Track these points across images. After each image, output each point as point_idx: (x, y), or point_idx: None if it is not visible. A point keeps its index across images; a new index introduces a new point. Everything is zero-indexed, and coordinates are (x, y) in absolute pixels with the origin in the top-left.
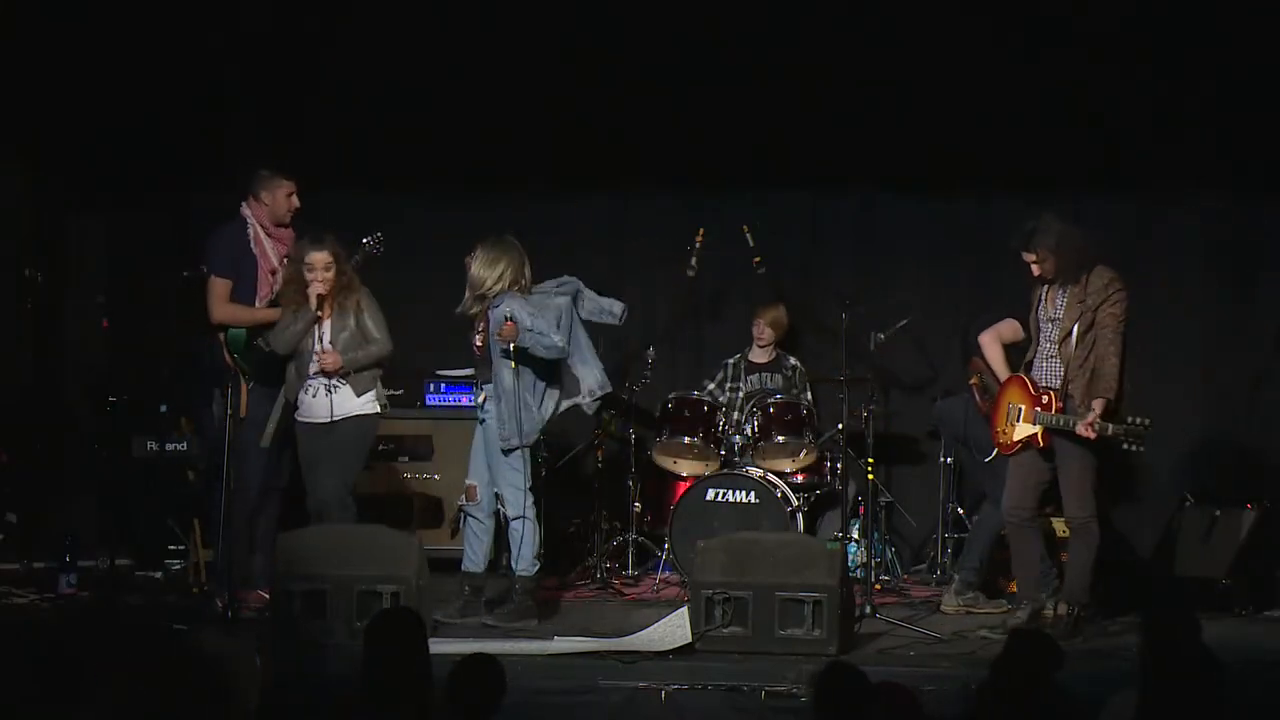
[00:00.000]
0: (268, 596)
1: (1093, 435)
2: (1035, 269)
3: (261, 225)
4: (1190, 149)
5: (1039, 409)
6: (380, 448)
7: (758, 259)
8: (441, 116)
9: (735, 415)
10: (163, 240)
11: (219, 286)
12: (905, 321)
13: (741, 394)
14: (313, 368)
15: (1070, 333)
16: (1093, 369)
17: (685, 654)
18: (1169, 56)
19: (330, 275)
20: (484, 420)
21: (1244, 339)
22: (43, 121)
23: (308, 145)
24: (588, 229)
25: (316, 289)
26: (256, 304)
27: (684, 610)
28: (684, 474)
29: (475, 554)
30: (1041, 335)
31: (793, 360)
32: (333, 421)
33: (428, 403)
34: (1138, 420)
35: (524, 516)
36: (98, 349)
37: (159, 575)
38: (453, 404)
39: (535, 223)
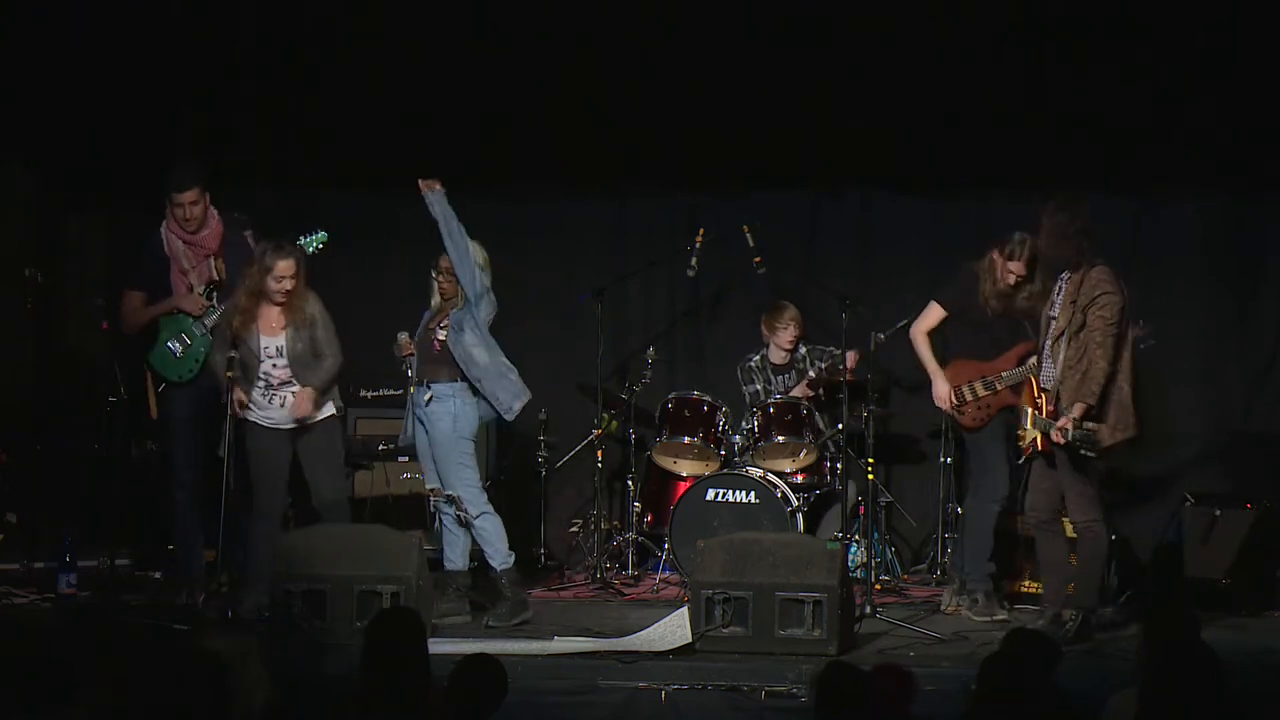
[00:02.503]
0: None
1: (1061, 441)
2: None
3: (174, 231)
4: (1190, 149)
5: (1036, 412)
6: (380, 448)
7: (758, 259)
8: (441, 117)
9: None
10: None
11: (127, 299)
12: (905, 321)
13: (780, 396)
14: (270, 390)
15: (1062, 333)
16: (1083, 371)
17: (685, 654)
18: (1169, 57)
19: (297, 282)
20: (424, 422)
21: (1244, 339)
22: (43, 121)
23: (308, 146)
24: (588, 229)
25: (246, 304)
26: None
27: (684, 610)
28: (684, 474)
29: (453, 552)
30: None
31: (801, 350)
32: (301, 427)
33: None
34: (1088, 425)
35: (485, 512)
36: (98, 349)
37: (159, 575)
38: None
39: (535, 223)
